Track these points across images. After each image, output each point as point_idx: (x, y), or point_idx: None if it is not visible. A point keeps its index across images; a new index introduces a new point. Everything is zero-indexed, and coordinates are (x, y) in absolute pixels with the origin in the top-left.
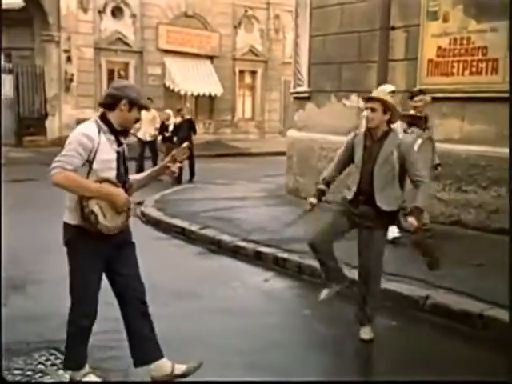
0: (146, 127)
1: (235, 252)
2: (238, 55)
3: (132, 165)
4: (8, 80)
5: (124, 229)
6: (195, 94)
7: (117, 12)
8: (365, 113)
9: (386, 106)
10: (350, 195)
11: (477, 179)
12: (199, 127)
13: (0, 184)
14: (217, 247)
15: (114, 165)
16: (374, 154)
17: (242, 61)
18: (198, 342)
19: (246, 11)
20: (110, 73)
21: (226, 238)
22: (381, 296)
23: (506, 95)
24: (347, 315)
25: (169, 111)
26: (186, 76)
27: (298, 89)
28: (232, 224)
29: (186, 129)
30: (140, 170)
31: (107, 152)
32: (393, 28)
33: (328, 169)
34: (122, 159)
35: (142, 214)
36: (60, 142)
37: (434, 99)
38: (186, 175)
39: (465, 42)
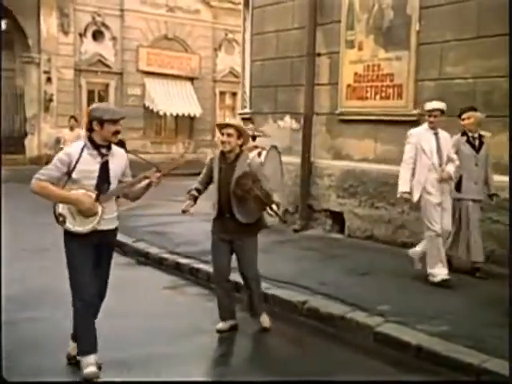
0: None
1: (160, 263)
2: (218, 77)
3: None
4: None
5: (101, 231)
6: (174, 114)
7: (97, 35)
8: (220, 137)
9: (240, 132)
10: (214, 213)
11: (386, 196)
12: (179, 147)
13: (0, 187)
14: (145, 259)
15: (95, 175)
16: (229, 174)
17: (223, 82)
18: None
19: (226, 34)
20: (90, 93)
21: (153, 250)
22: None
23: (409, 118)
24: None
25: None
26: (165, 97)
27: (244, 110)
28: (165, 237)
29: None
30: None
31: (89, 164)
32: (319, 54)
33: (197, 183)
34: (105, 170)
35: None
36: (38, 161)
37: (351, 122)
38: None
39: (376, 68)
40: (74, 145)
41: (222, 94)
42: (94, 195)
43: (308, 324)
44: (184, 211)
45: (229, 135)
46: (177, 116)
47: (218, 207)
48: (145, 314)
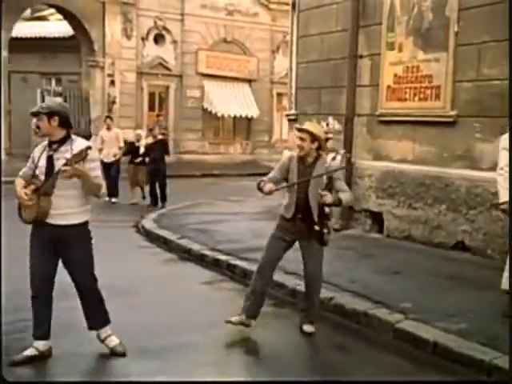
0: (109, 148)
1: (201, 259)
2: (275, 78)
3: None
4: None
5: (52, 226)
6: (232, 115)
7: (159, 38)
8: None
9: (314, 136)
10: (288, 214)
11: (423, 197)
12: (236, 148)
13: (0, 187)
14: (187, 255)
15: (44, 170)
16: (308, 176)
17: (280, 84)
18: None
19: (284, 36)
20: (151, 95)
21: (195, 246)
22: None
23: (446, 120)
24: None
25: (139, 131)
26: (223, 98)
27: (290, 111)
28: (208, 235)
29: (159, 150)
30: (112, 193)
31: (43, 160)
32: (361, 56)
33: (271, 176)
34: (50, 165)
35: (142, 225)
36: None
37: (391, 123)
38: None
39: (415, 70)
40: (41, 144)
41: (279, 95)
42: (32, 189)
43: (334, 320)
44: (269, 192)
45: (302, 139)
46: (234, 117)
47: (294, 208)
48: (178, 306)
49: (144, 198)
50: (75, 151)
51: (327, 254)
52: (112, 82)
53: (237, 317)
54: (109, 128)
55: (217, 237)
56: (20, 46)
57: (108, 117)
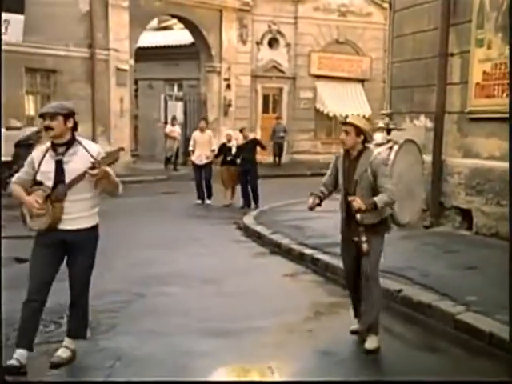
0: (201, 150)
1: (288, 253)
2: None
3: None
4: (179, 106)
5: (63, 231)
6: (344, 115)
7: (273, 42)
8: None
9: (359, 129)
10: (342, 215)
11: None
12: None
13: (0, 189)
14: (277, 249)
15: (52, 175)
16: (352, 172)
17: None
18: (185, 313)
19: None
20: (266, 98)
21: (285, 241)
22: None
23: None
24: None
25: (230, 132)
26: (335, 99)
27: (386, 111)
28: (299, 230)
29: (250, 149)
30: (202, 195)
31: (48, 165)
32: (451, 54)
33: (322, 185)
34: (60, 170)
35: (242, 221)
36: (215, 161)
37: (479, 120)
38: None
39: (503, 66)
40: (41, 147)
41: None
42: (43, 196)
43: (401, 311)
44: (311, 208)
45: (346, 133)
46: (346, 117)
47: (345, 207)
48: (258, 295)
49: (232, 198)
50: (95, 153)
51: (408, 248)
52: (228, 86)
53: (357, 325)
54: (202, 130)
55: (307, 232)
56: (145, 54)
57: (203, 118)
